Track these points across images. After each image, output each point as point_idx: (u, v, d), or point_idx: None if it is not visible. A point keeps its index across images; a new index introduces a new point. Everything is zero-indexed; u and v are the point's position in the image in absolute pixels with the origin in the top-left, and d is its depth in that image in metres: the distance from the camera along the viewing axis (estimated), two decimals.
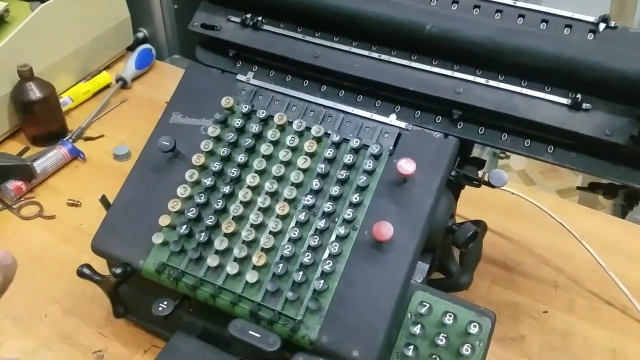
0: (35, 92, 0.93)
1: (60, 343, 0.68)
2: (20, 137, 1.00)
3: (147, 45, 1.19)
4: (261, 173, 0.57)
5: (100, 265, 0.64)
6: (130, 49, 1.21)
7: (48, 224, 0.85)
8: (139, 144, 0.64)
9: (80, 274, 0.59)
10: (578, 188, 0.72)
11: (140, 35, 1.28)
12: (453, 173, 0.56)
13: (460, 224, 0.60)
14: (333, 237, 0.53)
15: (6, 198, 0.88)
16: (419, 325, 0.50)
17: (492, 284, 0.77)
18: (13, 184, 0.87)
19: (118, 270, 0.57)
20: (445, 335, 0.50)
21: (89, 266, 0.60)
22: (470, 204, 0.87)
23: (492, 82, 0.55)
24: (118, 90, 1.12)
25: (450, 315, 0.50)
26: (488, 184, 0.55)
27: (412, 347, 0.50)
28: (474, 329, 0.50)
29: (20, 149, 0.97)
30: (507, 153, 0.64)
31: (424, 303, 0.51)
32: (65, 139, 0.98)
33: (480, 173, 0.59)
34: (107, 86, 1.13)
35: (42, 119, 0.97)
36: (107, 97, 1.09)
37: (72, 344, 0.68)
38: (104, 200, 0.63)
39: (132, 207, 0.61)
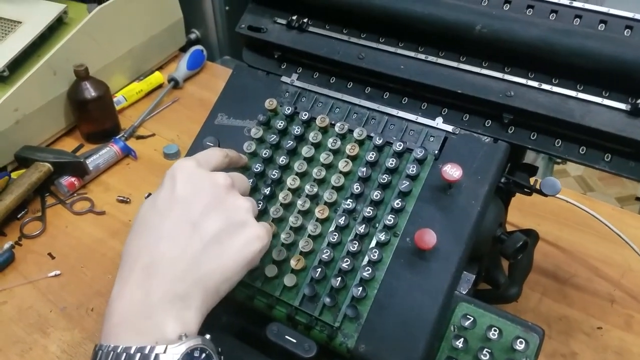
0: (90, 91, 0.96)
1: None
2: (75, 135, 1.04)
3: (199, 47, 1.21)
4: (302, 175, 0.57)
5: None
6: (183, 49, 1.23)
7: (98, 219, 0.88)
8: (188, 143, 0.64)
9: None
10: (637, 199, 0.68)
11: (192, 36, 1.30)
12: (502, 180, 0.54)
13: (510, 233, 0.57)
14: (373, 243, 0.52)
15: (60, 193, 0.91)
16: (462, 339, 0.48)
17: (543, 296, 0.74)
18: (67, 180, 0.90)
19: None
20: (490, 351, 0.48)
21: None
22: (522, 211, 0.84)
23: (545, 86, 0.52)
24: (170, 90, 1.15)
25: (495, 330, 0.48)
26: (540, 192, 0.53)
27: None
28: (520, 345, 0.47)
29: (75, 146, 1.01)
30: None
31: (468, 316, 0.49)
32: (117, 137, 1.00)
33: (532, 180, 0.56)
34: (160, 86, 1.16)
35: (96, 117, 1.00)
36: (159, 97, 1.12)
37: None
38: None
39: None
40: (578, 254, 0.79)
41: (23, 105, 0.92)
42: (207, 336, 0.40)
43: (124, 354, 0.37)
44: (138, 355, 0.37)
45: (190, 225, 0.41)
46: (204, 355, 0.39)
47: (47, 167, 0.88)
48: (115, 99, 1.07)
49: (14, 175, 0.89)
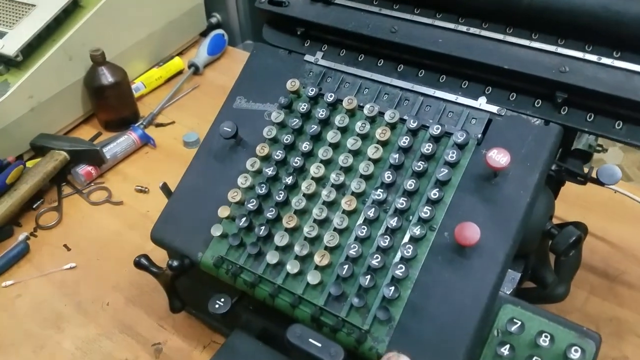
0: (107, 77, 0.93)
1: (120, 333, 0.66)
2: (93, 123, 1.01)
3: (219, 31, 1.17)
4: (327, 163, 0.51)
5: (163, 255, 0.61)
6: (203, 34, 1.19)
7: (116, 209, 0.84)
8: None
9: (138, 264, 0.56)
10: None
11: (213, 20, 1.26)
12: (554, 167, 0.48)
13: (559, 226, 0.51)
14: (406, 239, 0.46)
15: (77, 183, 0.88)
16: (508, 346, 0.43)
17: (591, 295, 0.68)
18: (83, 169, 0.87)
19: (174, 264, 0.53)
20: (540, 359, 0.42)
21: (146, 257, 0.57)
22: (567, 202, 0.77)
23: (605, 60, 0.45)
24: (190, 77, 1.11)
25: (546, 336, 0.42)
26: (597, 181, 0.46)
27: None
28: (575, 354, 0.42)
29: (93, 134, 0.98)
30: (604, 146, 0.55)
31: (515, 320, 0.43)
32: (136, 124, 0.97)
33: (585, 169, 0.50)
34: (180, 72, 1.12)
35: (113, 104, 0.97)
36: (179, 83, 1.08)
37: (132, 335, 0.66)
38: (165, 188, 0.60)
39: (193, 196, 0.57)
40: (628, 249, 0.73)
41: (38, 92, 0.88)
42: None
43: None
44: None
45: None
46: None
47: (63, 155, 0.85)
48: (133, 86, 1.03)
49: (29, 164, 0.86)
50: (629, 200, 0.75)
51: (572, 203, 0.78)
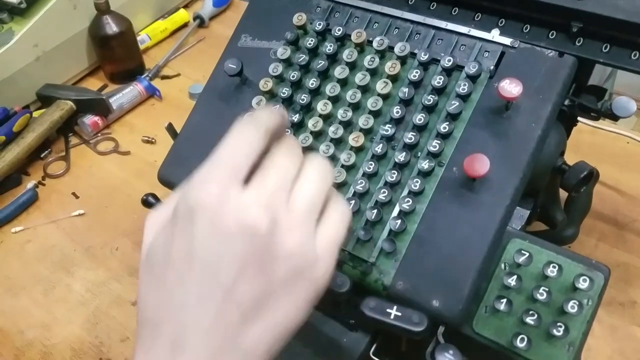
0: (111, 26, 0.91)
1: (129, 276, 0.67)
2: (99, 75, 1.00)
3: None
4: (334, 100, 0.50)
5: None
6: None
7: (123, 159, 0.84)
8: None
9: (145, 202, 0.57)
10: None
11: None
12: (567, 102, 0.46)
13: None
14: (414, 173, 0.46)
15: (83, 133, 0.88)
16: (515, 277, 0.42)
17: (600, 241, 0.68)
18: (90, 119, 0.86)
19: None
20: (547, 290, 0.42)
21: (154, 195, 0.57)
22: (580, 152, 0.76)
23: None
24: (195, 29, 1.09)
25: (554, 267, 0.42)
26: (610, 115, 0.45)
27: (504, 300, 0.42)
28: (583, 284, 0.41)
29: (99, 86, 0.97)
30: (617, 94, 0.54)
31: (523, 251, 0.43)
32: (142, 76, 0.96)
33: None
34: (185, 24, 1.10)
35: (119, 55, 0.96)
36: (184, 36, 1.06)
37: None
38: (170, 128, 0.60)
39: (199, 136, 0.57)
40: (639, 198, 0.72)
41: (43, 41, 0.88)
42: None
43: None
44: None
45: (220, 291, 0.30)
46: None
47: (70, 105, 0.85)
48: (139, 38, 1.02)
49: (35, 114, 0.86)
50: None
51: (584, 153, 0.76)
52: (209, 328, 0.30)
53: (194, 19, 1.10)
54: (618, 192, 0.73)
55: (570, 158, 0.75)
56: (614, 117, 0.45)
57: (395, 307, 0.39)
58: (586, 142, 0.76)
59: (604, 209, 0.71)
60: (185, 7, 1.14)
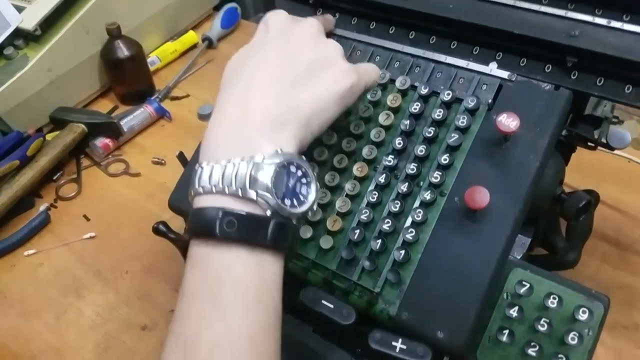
0: (123, 50, 0.94)
1: (138, 300, 0.68)
2: (110, 96, 1.02)
3: (232, 4, 1.16)
4: (338, 131, 0.52)
5: (181, 223, 0.62)
6: (217, 8, 1.19)
7: (133, 181, 0.86)
8: None
9: (156, 230, 0.58)
10: None
11: None
12: (564, 132, 0.48)
13: (570, 193, 0.51)
14: (417, 203, 0.47)
15: (95, 155, 0.90)
16: (517, 308, 0.43)
17: (602, 262, 0.68)
18: (101, 141, 0.88)
19: None
20: (548, 321, 0.43)
21: (164, 223, 0.59)
22: (581, 172, 0.77)
23: (615, 23, 0.45)
24: (204, 50, 1.11)
25: (554, 298, 0.43)
26: (606, 145, 0.47)
27: (507, 331, 0.43)
28: (582, 315, 0.42)
29: (110, 108, 0.99)
30: (620, 117, 0.55)
31: (524, 282, 0.44)
32: (152, 98, 0.98)
33: (596, 134, 0.50)
34: (194, 46, 1.13)
35: (129, 78, 0.98)
36: (193, 57, 1.08)
37: (150, 301, 0.68)
38: (181, 157, 0.62)
39: None
40: None
41: (56, 65, 0.90)
42: (304, 158, 0.41)
43: (223, 162, 0.38)
44: (236, 163, 0.37)
45: (284, 58, 0.42)
46: (300, 171, 0.40)
47: (82, 128, 0.87)
48: (149, 60, 1.04)
49: (48, 137, 0.88)
50: None
51: (585, 173, 0.78)
52: (273, 82, 0.41)
53: (203, 40, 1.12)
54: (620, 212, 0.74)
55: (571, 177, 0.76)
56: (610, 148, 0.46)
57: (400, 340, 0.41)
58: (587, 161, 0.77)
59: (606, 229, 0.72)
60: (194, 28, 1.17)
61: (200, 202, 0.39)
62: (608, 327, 0.61)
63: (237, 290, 0.36)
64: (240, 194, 0.37)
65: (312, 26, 0.45)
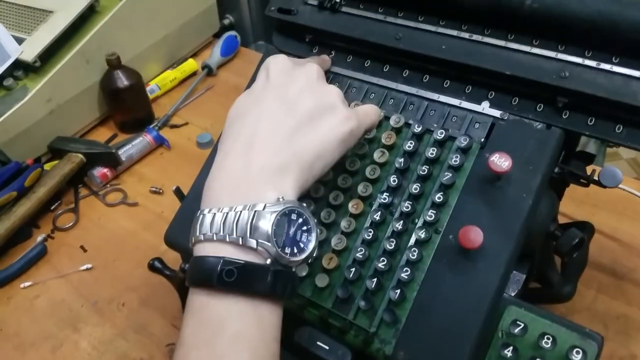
0: (122, 80, 0.95)
1: (135, 333, 0.68)
2: (109, 125, 1.03)
3: (232, 32, 1.18)
4: (333, 167, 0.52)
5: (177, 255, 0.63)
6: (217, 36, 1.21)
7: (131, 210, 0.86)
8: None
9: (151, 267, 0.58)
10: None
11: (226, 21, 1.27)
12: (556, 170, 0.48)
13: (563, 226, 0.52)
14: (412, 241, 0.47)
15: (93, 184, 0.90)
16: (511, 348, 0.43)
17: (599, 293, 0.68)
18: (99, 171, 0.89)
19: (186, 266, 0.55)
20: None
21: (160, 260, 0.59)
22: (575, 200, 0.78)
23: (604, 65, 0.46)
24: (204, 78, 1.13)
25: (548, 338, 0.43)
26: (598, 183, 0.47)
27: None
28: (576, 356, 0.42)
29: (109, 136, 1.00)
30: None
31: (518, 322, 0.44)
32: (151, 126, 0.99)
33: (589, 170, 0.50)
34: (194, 73, 1.14)
35: (129, 107, 0.99)
36: (193, 85, 1.09)
37: (147, 335, 0.68)
38: (178, 192, 0.62)
39: None
40: (637, 247, 0.73)
41: (56, 96, 0.91)
42: (305, 204, 0.42)
43: (225, 209, 0.39)
44: (238, 210, 0.38)
45: (286, 105, 0.43)
46: (300, 219, 0.40)
47: (80, 158, 0.88)
48: (148, 88, 1.05)
49: (47, 166, 0.88)
50: (638, 199, 0.75)
51: (581, 202, 0.78)
52: (275, 130, 0.42)
53: (202, 68, 1.13)
54: (615, 241, 0.74)
55: (567, 206, 0.77)
56: (603, 186, 0.47)
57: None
58: (582, 191, 0.77)
59: (601, 259, 0.72)
60: (194, 56, 1.18)
61: (201, 249, 0.40)
62: (605, 357, 0.61)
63: (235, 340, 0.36)
64: (240, 242, 0.38)
65: (312, 72, 0.46)
